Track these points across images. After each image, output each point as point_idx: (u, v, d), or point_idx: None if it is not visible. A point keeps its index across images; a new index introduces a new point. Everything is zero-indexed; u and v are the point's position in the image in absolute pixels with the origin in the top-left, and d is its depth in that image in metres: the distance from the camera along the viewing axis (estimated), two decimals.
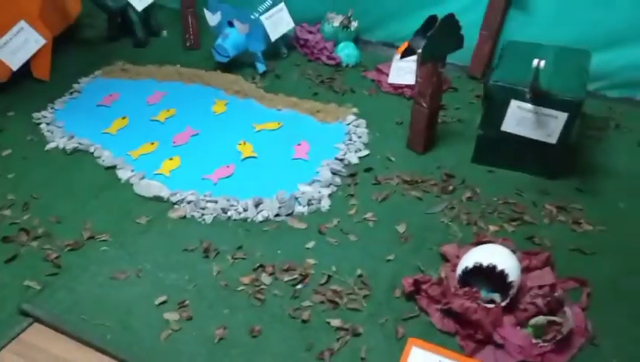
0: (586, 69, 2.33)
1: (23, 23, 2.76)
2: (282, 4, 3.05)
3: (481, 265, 1.74)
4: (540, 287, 1.82)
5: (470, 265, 1.76)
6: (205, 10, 2.91)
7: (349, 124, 2.62)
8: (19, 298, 1.79)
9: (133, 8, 3.12)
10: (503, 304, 1.74)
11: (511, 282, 1.71)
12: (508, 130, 2.29)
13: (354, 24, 3.18)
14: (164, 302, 1.80)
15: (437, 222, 2.13)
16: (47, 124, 2.59)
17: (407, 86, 2.83)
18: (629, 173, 2.37)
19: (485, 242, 1.97)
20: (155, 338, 1.68)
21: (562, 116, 2.17)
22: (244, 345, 1.68)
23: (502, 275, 1.71)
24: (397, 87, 2.87)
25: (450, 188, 2.29)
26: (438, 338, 1.72)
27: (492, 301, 1.76)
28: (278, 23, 3.02)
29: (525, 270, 1.88)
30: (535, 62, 2.07)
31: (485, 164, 2.41)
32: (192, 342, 1.68)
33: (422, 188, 2.29)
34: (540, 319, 1.69)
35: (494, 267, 1.72)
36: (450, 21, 2.18)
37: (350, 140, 2.53)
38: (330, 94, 2.88)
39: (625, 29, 2.73)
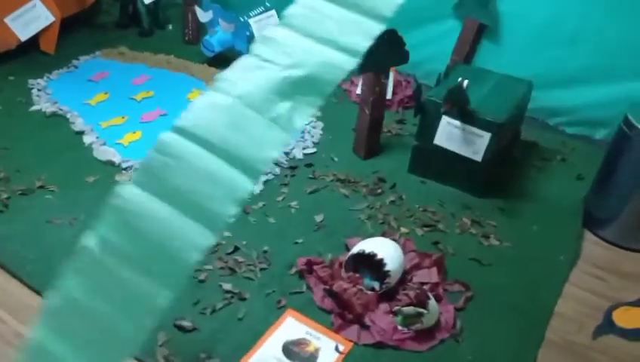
0: (519, 96, 2.45)
1: (36, 1, 3.12)
2: (273, 12, 3.29)
3: (363, 252, 1.90)
4: (423, 284, 1.97)
5: (355, 251, 1.92)
6: (197, 8, 3.19)
7: (307, 124, 2.82)
8: None
9: (142, 0, 3.44)
10: (380, 291, 1.89)
11: (388, 271, 1.85)
12: (439, 144, 2.44)
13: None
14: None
15: (354, 218, 2.29)
16: (38, 90, 2.89)
17: None
18: (554, 201, 2.47)
19: (391, 238, 2.13)
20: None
21: (486, 135, 2.31)
22: None
23: (380, 263, 1.86)
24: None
25: (379, 191, 2.45)
26: (316, 314, 1.87)
27: (373, 288, 1.91)
28: (265, 26, 3.27)
29: (415, 267, 2.02)
30: (459, 80, 2.23)
31: (419, 174, 2.56)
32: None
33: (352, 187, 2.46)
34: (409, 309, 1.82)
35: (375, 255, 1.87)
36: (392, 36, 2.35)
37: (302, 138, 2.72)
38: None
39: (587, 69, 2.84)
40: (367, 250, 1.89)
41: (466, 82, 2.19)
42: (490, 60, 3.05)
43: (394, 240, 2.09)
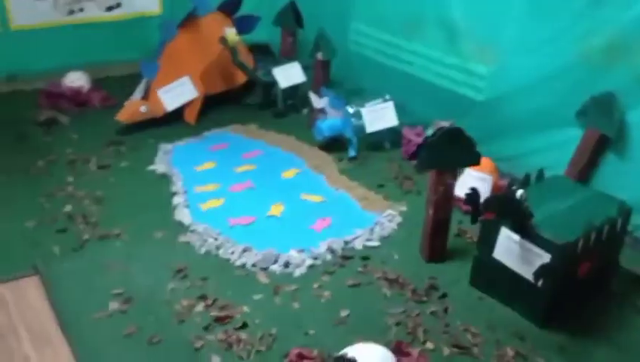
0: (602, 218, 2.06)
1: (185, 78, 3.60)
2: (390, 103, 3.32)
3: (344, 355, 1.74)
4: None
5: (339, 354, 1.77)
6: (311, 93, 3.35)
7: (383, 217, 2.72)
8: (39, 256, 2.39)
9: (279, 84, 3.75)
10: None
11: None
12: (498, 258, 2.15)
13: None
14: (119, 294, 2.20)
15: (381, 321, 2.12)
16: (163, 153, 3.29)
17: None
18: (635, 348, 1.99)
19: (401, 350, 1.92)
20: (88, 320, 2.09)
21: (545, 256, 1.98)
22: (143, 347, 1.97)
23: None
24: (458, 199, 2.85)
25: (425, 298, 2.23)
26: None
27: None
28: (378, 117, 3.29)
29: None
30: (519, 192, 1.97)
31: (481, 289, 2.28)
32: (107, 328, 2.05)
33: (398, 289, 2.28)
34: None
35: (354, 361, 1.70)
36: (455, 133, 2.20)
37: (372, 230, 2.63)
38: (394, 189, 3.00)
39: None
40: (349, 355, 1.73)
41: (520, 192, 1.93)
42: (613, 177, 2.65)
43: (405, 352, 1.88)
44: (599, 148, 2.68)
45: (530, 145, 2.94)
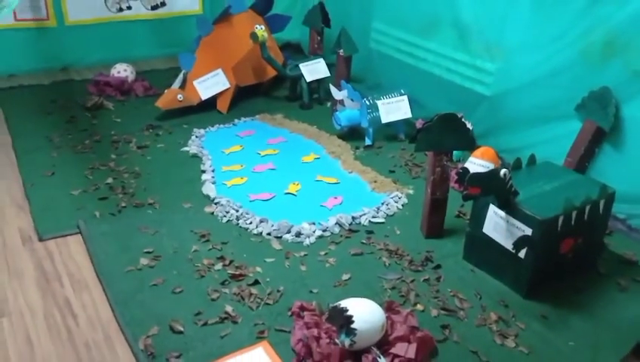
0: (583, 199, 2.24)
1: (219, 70, 3.92)
2: (405, 97, 3.55)
3: (337, 306, 1.98)
4: (395, 356, 1.95)
5: (334, 304, 2.01)
6: (331, 86, 3.62)
7: (390, 198, 2.96)
8: (83, 217, 2.73)
9: (305, 78, 4.02)
10: (348, 348, 1.94)
11: (354, 329, 1.91)
12: (487, 233, 2.36)
13: (468, 125, 3.45)
14: (149, 252, 2.50)
15: (378, 285, 2.36)
16: (196, 136, 3.61)
17: None
18: (616, 327, 2.17)
19: (392, 309, 2.15)
20: (121, 272, 2.40)
21: (528, 231, 2.18)
22: (167, 295, 2.27)
23: (349, 320, 1.93)
24: (455, 182, 3.05)
25: (420, 268, 2.46)
26: (286, 353, 2.00)
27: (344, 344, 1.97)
28: (393, 110, 3.52)
29: (398, 339, 2.01)
30: (502, 171, 2.18)
31: (472, 263, 2.49)
32: (137, 279, 2.35)
33: (396, 259, 2.51)
34: None
35: (346, 311, 1.94)
36: (451, 118, 2.42)
37: (378, 208, 2.87)
38: (403, 175, 3.23)
39: None
40: (343, 305, 1.97)
41: (503, 171, 2.14)
42: (609, 168, 2.82)
43: (395, 311, 2.11)
44: (596, 139, 2.85)
45: (533, 137, 3.13)
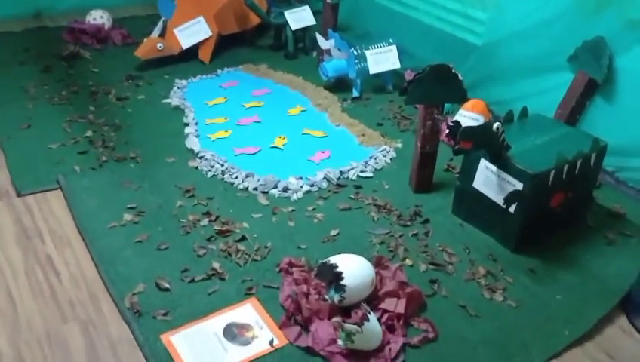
0: (574, 153, 2.21)
1: (200, 18, 3.77)
2: (394, 47, 3.46)
3: (326, 262, 1.95)
4: (385, 311, 1.94)
5: (323, 260, 1.99)
6: (317, 35, 3.50)
7: (379, 152, 2.91)
8: (62, 172, 2.64)
9: (290, 26, 3.89)
10: (337, 304, 1.92)
11: (344, 285, 1.89)
12: (477, 188, 2.34)
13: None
14: (132, 207, 2.44)
15: (366, 240, 2.33)
16: (178, 87, 3.49)
17: None
18: (601, 279, 2.18)
19: (381, 264, 2.14)
20: (104, 228, 2.34)
21: (519, 185, 2.16)
22: (152, 252, 2.22)
23: (338, 276, 1.90)
24: (446, 135, 3.01)
25: (408, 223, 2.44)
26: (275, 309, 1.99)
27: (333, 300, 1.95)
28: (382, 60, 3.43)
29: (388, 295, 2.00)
30: (495, 124, 2.13)
31: (461, 217, 2.47)
32: (120, 235, 2.29)
33: (385, 214, 2.49)
34: (350, 326, 1.83)
35: (335, 267, 1.92)
36: (443, 70, 2.35)
37: (366, 163, 2.82)
38: (391, 128, 3.17)
39: None
40: (332, 261, 1.94)
41: (496, 124, 2.09)
42: (600, 121, 2.79)
43: (384, 266, 2.10)
44: (588, 91, 2.81)
45: (524, 89, 3.08)
